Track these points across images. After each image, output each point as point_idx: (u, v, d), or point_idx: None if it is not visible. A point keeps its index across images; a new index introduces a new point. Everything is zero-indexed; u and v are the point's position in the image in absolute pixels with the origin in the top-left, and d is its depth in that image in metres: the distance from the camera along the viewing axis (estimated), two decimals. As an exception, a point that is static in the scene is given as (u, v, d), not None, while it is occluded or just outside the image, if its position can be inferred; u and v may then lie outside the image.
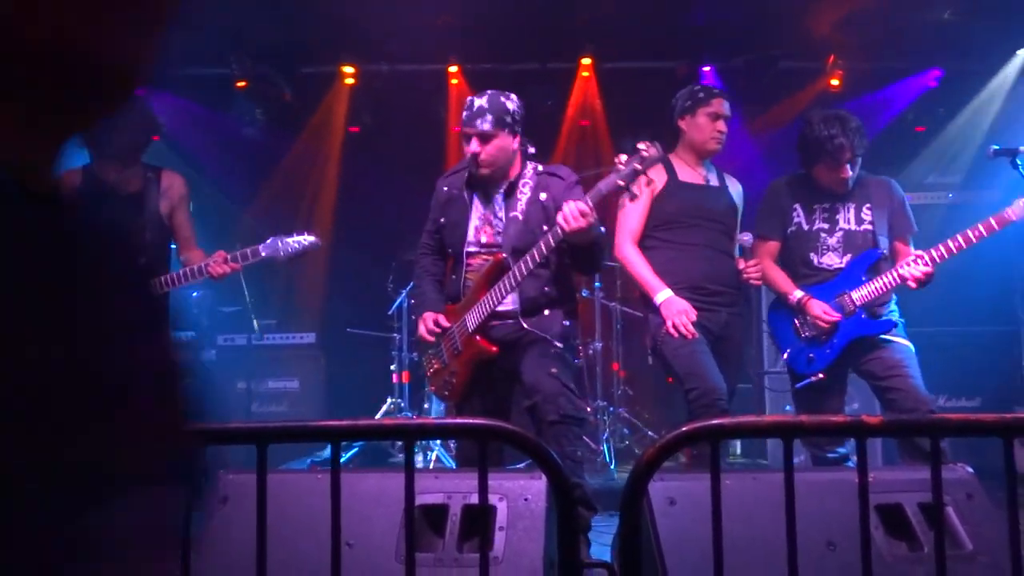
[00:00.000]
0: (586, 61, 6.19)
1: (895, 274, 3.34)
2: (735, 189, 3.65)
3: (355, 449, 5.50)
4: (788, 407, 5.15)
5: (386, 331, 5.99)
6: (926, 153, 5.86)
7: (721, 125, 3.51)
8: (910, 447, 3.10)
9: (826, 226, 3.51)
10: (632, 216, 3.41)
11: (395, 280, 5.94)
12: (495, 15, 5.57)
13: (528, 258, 2.90)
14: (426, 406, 5.71)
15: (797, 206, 3.55)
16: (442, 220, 3.24)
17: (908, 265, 3.27)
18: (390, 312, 5.93)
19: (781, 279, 3.51)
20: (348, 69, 6.27)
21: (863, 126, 3.41)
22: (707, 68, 6.11)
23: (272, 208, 5.69)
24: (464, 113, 3.07)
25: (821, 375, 3.38)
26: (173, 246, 3.62)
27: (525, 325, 3.02)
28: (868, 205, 3.50)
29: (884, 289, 3.36)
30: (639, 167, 2.78)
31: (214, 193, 6.11)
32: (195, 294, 5.69)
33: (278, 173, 6.62)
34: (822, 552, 1.70)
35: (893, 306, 3.49)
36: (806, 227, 3.52)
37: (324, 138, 6.62)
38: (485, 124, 3.02)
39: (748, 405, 5.34)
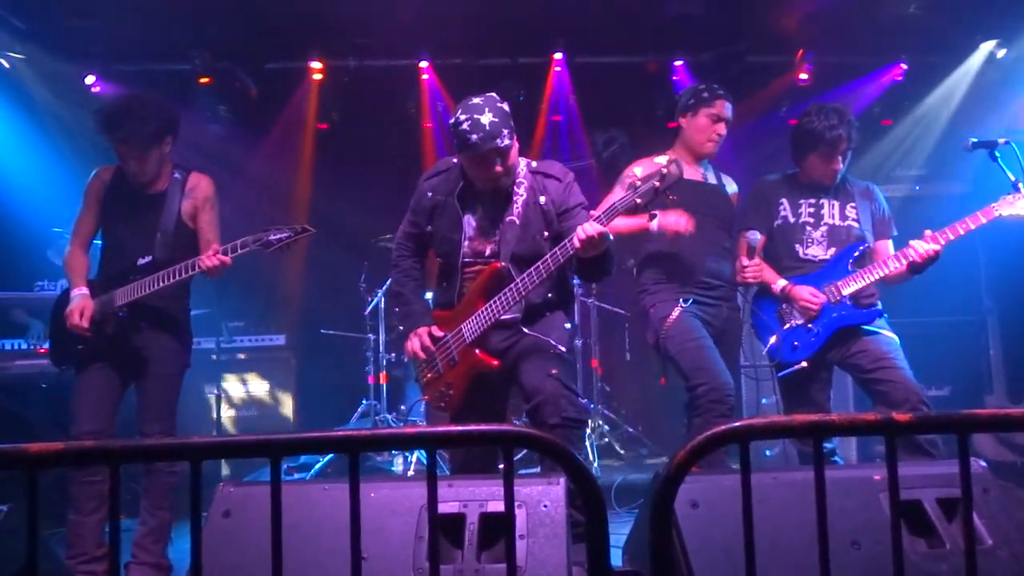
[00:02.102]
0: (557, 56, 6.15)
1: (883, 265, 3.37)
2: (731, 188, 3.68)
3: (331, 455, 5.38)
4: (765, 399, 5.19)
5: (360, 332, 5.88)
6: (892, 146, 5.94)
7: (721, 128, 3.52)
8: (904, 442, 3.09)
9: (811, 220, 3.55)
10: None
11: (368, 280, 5.84)
12: (465, 10, 5.50)
13: (534, 272, 2.77)
14: (403, 407, 5.63)
15: (784, 200, 3.59)
16: (429, 228, 3.06)
17: (918, 243, 3.24)
18: (365, 312, 5.82)
19: (767, 271, 3.53)
20: (316, 65, 6.12)
21: (856, 121, 3.46)
22: (678, 63, 6.12)
23: (243, 207, 5.53)
24: (472, 135, 2.74)
25: (805, 363, 3.39)
26: None
27: (526, 331, 2.92)
28: (852, 204, 3.56)
29: (870, 280, 3.39)
30: (658, 185, 2.65)
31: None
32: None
33: (247, 171, 6.45)
34: (847, 551, 1.69)
35: (878, 299, 3.53)
36: (792, 220, 3.56)
37: (294, 135, 6.46)
38: (506, 139, 2.77)
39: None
